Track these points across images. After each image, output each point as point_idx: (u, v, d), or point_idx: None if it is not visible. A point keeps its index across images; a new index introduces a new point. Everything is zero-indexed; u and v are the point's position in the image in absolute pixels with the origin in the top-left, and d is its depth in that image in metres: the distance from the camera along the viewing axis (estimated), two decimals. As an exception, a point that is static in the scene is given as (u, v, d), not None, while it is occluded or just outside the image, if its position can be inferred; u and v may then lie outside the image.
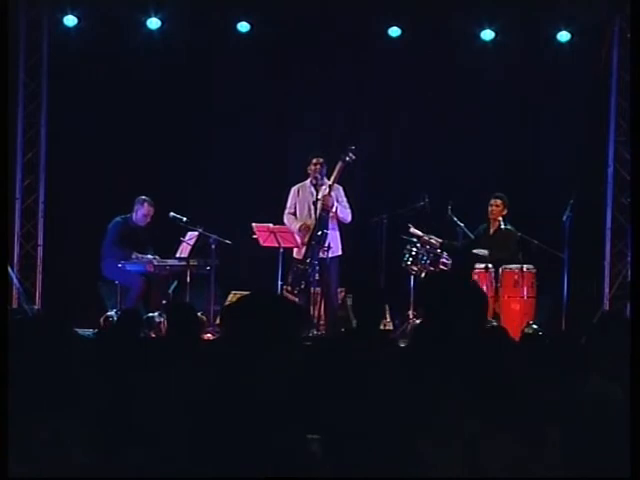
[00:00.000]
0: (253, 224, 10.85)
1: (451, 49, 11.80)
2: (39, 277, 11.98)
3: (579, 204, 10.88)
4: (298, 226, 10.72)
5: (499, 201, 11.02)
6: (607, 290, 11.84)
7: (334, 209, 10.58)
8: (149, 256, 10.81)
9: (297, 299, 10.46)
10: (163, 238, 11.09)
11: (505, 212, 11.01)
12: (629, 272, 10.98)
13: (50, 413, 3.59)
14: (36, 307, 11.57)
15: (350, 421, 3.73)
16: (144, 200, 10.95)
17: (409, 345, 4.67)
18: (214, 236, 10.72)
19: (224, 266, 10.87)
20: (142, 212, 10.95)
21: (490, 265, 10.73)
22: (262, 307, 3.49)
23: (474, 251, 10.93)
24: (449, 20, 11.64)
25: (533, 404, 3.57)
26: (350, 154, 10.59)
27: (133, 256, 10.74)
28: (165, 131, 11.96)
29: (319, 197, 10.56)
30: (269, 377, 3.44)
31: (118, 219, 10.97)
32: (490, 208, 11.03)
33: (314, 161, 10.71)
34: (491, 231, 11.16)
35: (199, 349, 5.27)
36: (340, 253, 10.67)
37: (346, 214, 10.72)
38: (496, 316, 10.42)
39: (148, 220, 10.98)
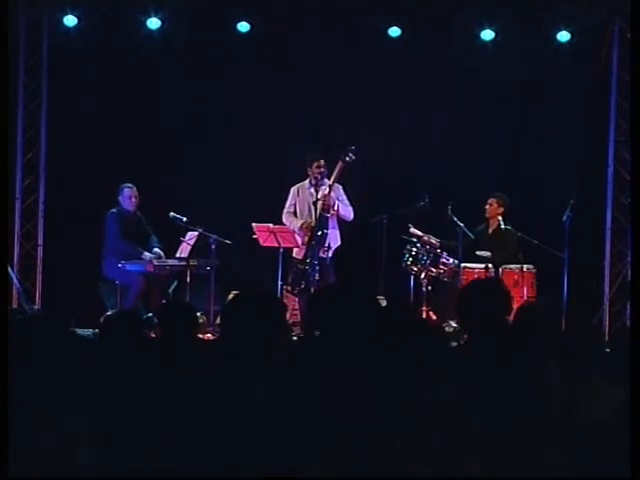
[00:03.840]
0: (253, 224, 10.85)
1: (451, 49, 11.79)
2: (39, 277, 11.96)
3: (579, 204, 10.88)
4: (299, 224, 10.74)
5: (493, 200, 11.11)
6: (607, 290, 11.83)
7: (335, 207, 10.60)
8: (156, 249, 10.79)
9: (297, 299, 10.49)
10: (163, 238, 11.08)
11: (501, 211, 11.05)
12: (629, 272, 10.97)
13: (50, 413, 3.58)
14: (36, 307, 11.56)
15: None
16: (124, 186, 10.93)
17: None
18: (214, 236, 10.72)
19: (224, 266, 10.87)
20: (127, 195, 10.92)
21: (490, 265, 10.74)
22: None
23: (477, 253, 10.93)
24: (449, 20, 11.64)
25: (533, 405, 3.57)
26: (350, 154, 10.58)
27: (144, 256, 10.72)
28: (165, 131, 11.96)
29: (319, 197, 10.58)
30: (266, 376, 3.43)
31: (113, 210, 10.94)
32: (486, 207, 11.14)
33: (316, 164, 10.70)
34: (490, 231, 11.20)
35: (193, 349, 5.24)
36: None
37: (348, 212, 10.77)
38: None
39: (135, 202, 10.93)
